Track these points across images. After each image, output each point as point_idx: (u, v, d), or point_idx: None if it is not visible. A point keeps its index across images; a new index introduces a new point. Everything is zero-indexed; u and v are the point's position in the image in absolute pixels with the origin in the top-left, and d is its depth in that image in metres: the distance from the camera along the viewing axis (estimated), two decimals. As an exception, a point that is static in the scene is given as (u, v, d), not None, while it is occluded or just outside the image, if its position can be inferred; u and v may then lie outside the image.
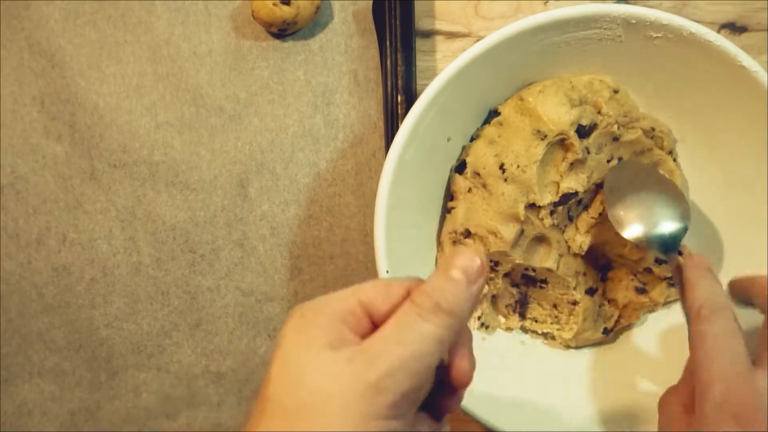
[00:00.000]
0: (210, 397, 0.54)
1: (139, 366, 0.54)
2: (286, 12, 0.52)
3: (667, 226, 0.47)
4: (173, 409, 0.54)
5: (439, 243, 0.51)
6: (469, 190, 0.50)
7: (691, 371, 0.40)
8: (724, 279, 0.52)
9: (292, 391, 0.31)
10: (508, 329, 0.53)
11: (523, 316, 0.54)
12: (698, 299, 0.41)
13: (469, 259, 0.34)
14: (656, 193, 0.48)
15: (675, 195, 0.48)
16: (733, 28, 0.56)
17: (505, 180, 0.49)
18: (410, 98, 0.54)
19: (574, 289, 0.51)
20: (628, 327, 0.54)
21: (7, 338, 0.53)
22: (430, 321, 0.33)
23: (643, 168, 0.50)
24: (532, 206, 0.49)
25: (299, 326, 0.33)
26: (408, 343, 0.32)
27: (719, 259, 0.53)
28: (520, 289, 0.53)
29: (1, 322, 0.53)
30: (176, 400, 0.54)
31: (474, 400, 0.47)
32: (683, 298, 0.42)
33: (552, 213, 0.49)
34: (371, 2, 0.54)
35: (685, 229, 0.47)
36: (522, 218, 0.49)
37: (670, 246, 0.47)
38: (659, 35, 0.47)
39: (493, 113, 0.51)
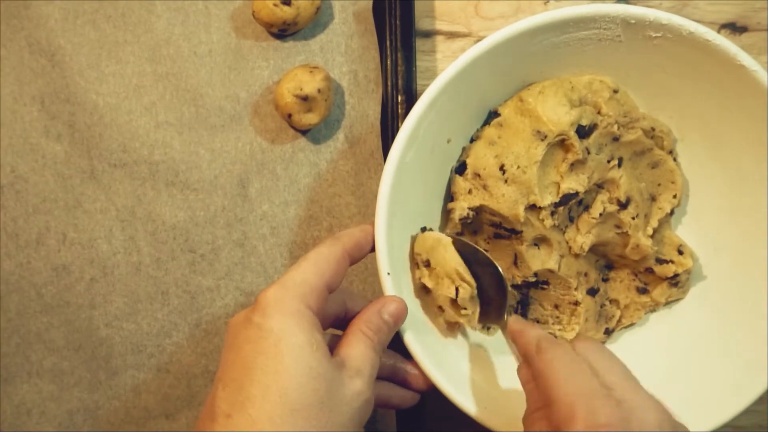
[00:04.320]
0: (210, 397, 0.54)
1: (138, 366, 0.54)
2: (286, 12, 0.52)
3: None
4: (173, 409, 0.54)
5: (440, 243, 0.51)
6: (470, 192, 0.50)
7: (546, 402, 0.39)
8: (725, 280, 0.52)
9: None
10: (509, 329, 0.53)
11: (524, 317, 0.53)
12: (533, 336, 0.42)
13: (398, 305, 0.45)
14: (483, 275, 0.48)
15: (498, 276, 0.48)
16: (733, 28, 0.56)
17: (506, 181, 0.49)
18: (410, 98, 0.54)
19: (576, 289, 0.51)
20: (630, 327, 0.54)
21: (6, 338, 0.53)
22: (378, 353, 0.43)
23: (470, 248, 0.49)
24: (532, 207, 0.49)
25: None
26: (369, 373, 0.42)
27: (719, 259, 0.53)
28: (521, 290, 0.53)
29: (0, 322, 0.53)
30: (176, 400, 0.54)
31: (474, 401, 0.47)
32: (516, 350, 0.44)
33: (553, 214, 0.49)
34: (371, 2, 0.54)
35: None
36: (522, 219, 0.49)
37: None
38: (658, 35, 0.47)
39: (493, 114, 0.51)
